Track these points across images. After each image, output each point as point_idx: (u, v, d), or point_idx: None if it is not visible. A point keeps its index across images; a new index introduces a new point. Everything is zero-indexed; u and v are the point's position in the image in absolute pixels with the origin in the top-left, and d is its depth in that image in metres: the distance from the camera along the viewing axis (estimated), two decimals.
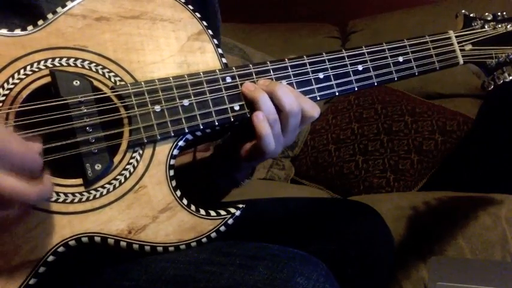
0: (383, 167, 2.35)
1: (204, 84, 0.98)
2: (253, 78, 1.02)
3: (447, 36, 1.20)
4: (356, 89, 1.09)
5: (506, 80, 1.25)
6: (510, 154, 2.08)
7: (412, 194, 2.19)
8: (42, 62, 0.91)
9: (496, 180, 2.05)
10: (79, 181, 0.90)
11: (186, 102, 0.96)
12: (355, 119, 2.56)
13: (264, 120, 0.98)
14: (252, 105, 1.00)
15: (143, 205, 0.92)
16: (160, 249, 0.92)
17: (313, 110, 1.03)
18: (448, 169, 2.29)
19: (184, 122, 0.96)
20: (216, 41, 1.01)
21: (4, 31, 0.90)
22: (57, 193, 0.88)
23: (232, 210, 0.96)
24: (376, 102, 2.57)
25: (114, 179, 0.92)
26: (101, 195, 0.91)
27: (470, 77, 2.52)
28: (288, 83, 1.04)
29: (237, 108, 1.00)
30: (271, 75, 1.03)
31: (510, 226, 1.66)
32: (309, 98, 1.05)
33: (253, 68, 1.02)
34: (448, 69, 2.64)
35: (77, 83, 0.91)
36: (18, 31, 0.91)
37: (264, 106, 0.98)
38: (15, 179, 0.76)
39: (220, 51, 1.01)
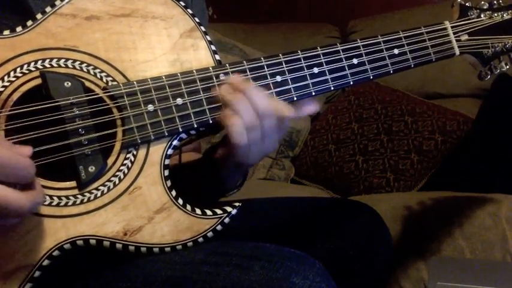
0: (383, 167, 2.35)
1: (198, 82, 0.97)
2: (247, 75, 1.00)
3: (443, 27, 1.19)
4: (351, 83, 1.08)
5: (503, 70, 1.24)
6: (510, 154, 2.07)
7: (412, 194, 2.18)
8: (32, 64, 0.89)
9: (496, 180, 2.04)
10: (73, 184, 0.89)
11: (179, 101, 0.95)
12: (355, 119, 2.55)
13: (240, 126, 0.95)
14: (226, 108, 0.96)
15: (138, 206, 0.91)
16: (156, 250, 0.91)
17: (285, 109, 0.99)
18: (448, 169, 2.28)
19: (178, 121, 0.95)
20: (209, 38, 1.00)
21: None
22: (51, 196, 0.87)
23: (229, 209, 0.95)
24: (376, 102, 2.57)
25: (108, 180, 0.90)
26: (95, 197, 0.89)
27: (470, 77, 2.51)
28: (282, 79, 1.02)
29: None
30: (265, 71, 1.01)
31: (510, 226, 1.65)
32: (304, 93, 1.04)
33: (247, 65, 1.00)
34: (448, 69, 2.64)
35: (68, 84, 0.89)
36: (7, 32, 0.90)
37: (243, 111, 0.95)
38: (7, 187, 0.75)
39: (213, 47, 1.00)
